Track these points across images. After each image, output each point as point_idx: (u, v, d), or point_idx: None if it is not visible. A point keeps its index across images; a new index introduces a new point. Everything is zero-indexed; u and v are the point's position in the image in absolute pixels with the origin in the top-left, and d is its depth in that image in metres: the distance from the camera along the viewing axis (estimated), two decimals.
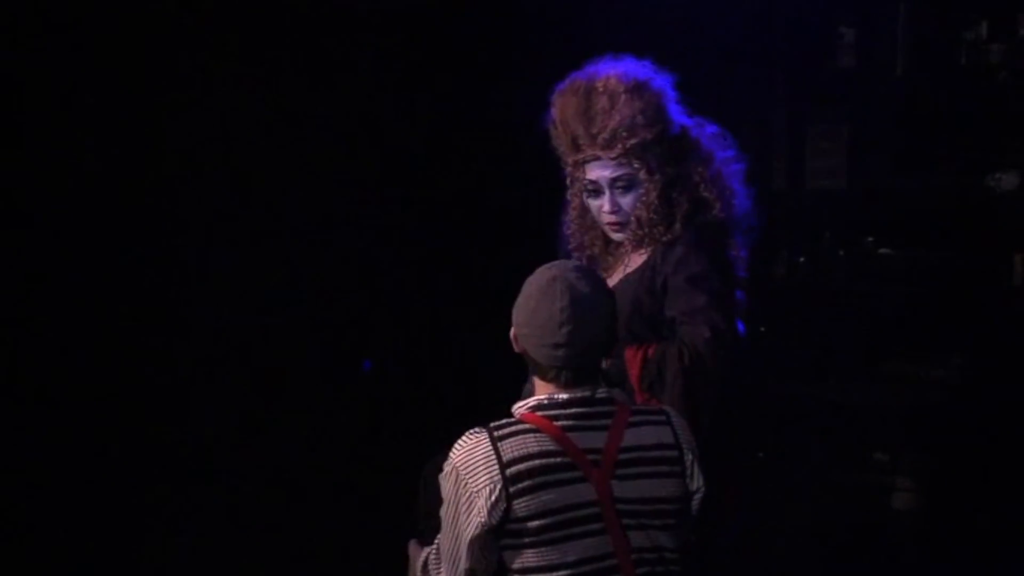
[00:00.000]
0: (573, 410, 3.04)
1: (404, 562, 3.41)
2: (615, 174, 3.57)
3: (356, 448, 5.29)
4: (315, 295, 5.33)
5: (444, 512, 3.05)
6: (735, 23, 5.36)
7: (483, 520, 2.97)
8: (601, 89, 3.54)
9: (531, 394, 3.13)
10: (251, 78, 5.15)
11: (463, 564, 3.02)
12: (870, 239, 5.54)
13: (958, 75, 5.33)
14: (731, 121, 3.73)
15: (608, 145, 3.53)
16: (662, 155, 3.56)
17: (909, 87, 5.43)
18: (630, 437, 3.05)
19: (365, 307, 5.43)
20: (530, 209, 4.01)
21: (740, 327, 3.63)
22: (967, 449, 5.14)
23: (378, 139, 5.36)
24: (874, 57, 5.48)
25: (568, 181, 3.66)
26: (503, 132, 4.78)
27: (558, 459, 2.99)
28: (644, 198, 3.57)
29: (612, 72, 3.56)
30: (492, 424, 3.04)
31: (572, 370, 3.05)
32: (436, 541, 3.13)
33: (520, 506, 2.96)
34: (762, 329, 5.17)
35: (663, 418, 3.11)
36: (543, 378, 3.08)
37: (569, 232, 3.72)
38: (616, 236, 3.63)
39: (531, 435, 3.00)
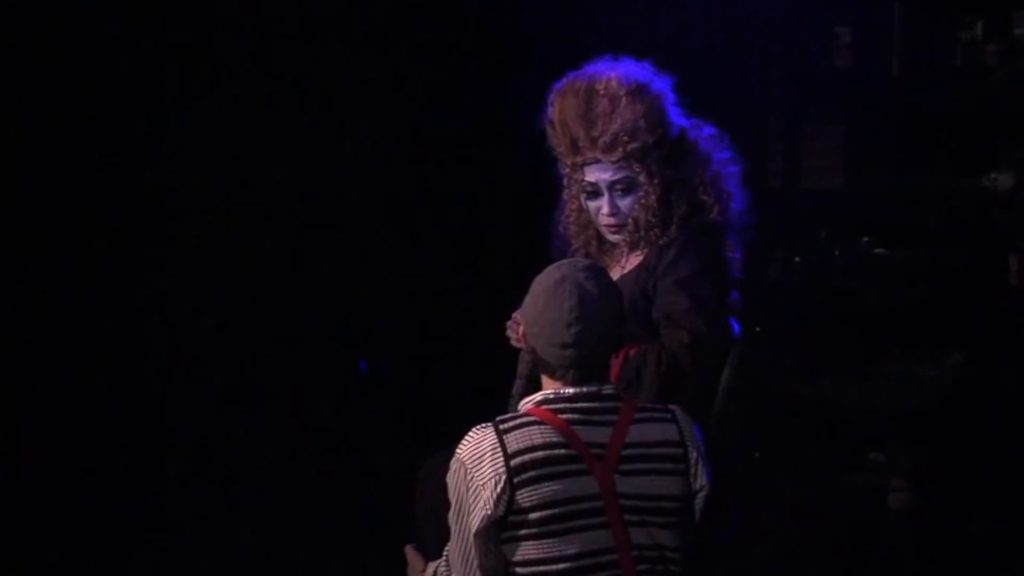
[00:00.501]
0: (579, 404, 3.06)
1: (403, 564, 3.42)
2: (615, 177, 3.56)
3: (353, 449, 5.29)
4: (313, 295, 5.34)
5: (452, 513, 3.05)
6: (731, 23, 5.37)
7: (489, 512, 2.98)
8: (602, 92, 3.52)
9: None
10: (249, 78, 5.15)
11: (475, 561, 3.03)
12: (866, 239, 5.55)
13: (954, 75, 5.34)
14: (727, 121, 3.73)
15: (609, 149, 3.53)
16: (662, 158, 3.55)
17: (905, 87, 5.43)
18: (635, 433, 3.06)
19: (362, 307, 5.43)
20: (528, 207, 4.00)
21: (736, 327, 3.64)
22: (963, 449, 5.15)
23: (377, 139, 5.36)
24: (870, 57, 5.48)
25: (565, 181, 3.65)
26: (504, 130, 4.78)
27: (562, 451, 3.00)
28: (643, 201, 3.56)
29: (613, 74, 3.54)
30: (498, 418, 3.06)
31: (580, 369, 3.06)
32: (445, 552, 3.13)
33: (523, 496, 2.97)
34: (758, 329, 5.16)
35: (668, 416, 3.12)
36: (551, 376, 3.10)
37: (566, 232, 3.72)
38: (613, 238, 3.63)
39: (536, 427, 3.02)
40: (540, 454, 2.99)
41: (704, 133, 3.65)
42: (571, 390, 3.07)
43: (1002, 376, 5.18)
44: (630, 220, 3.58)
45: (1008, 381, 5.15)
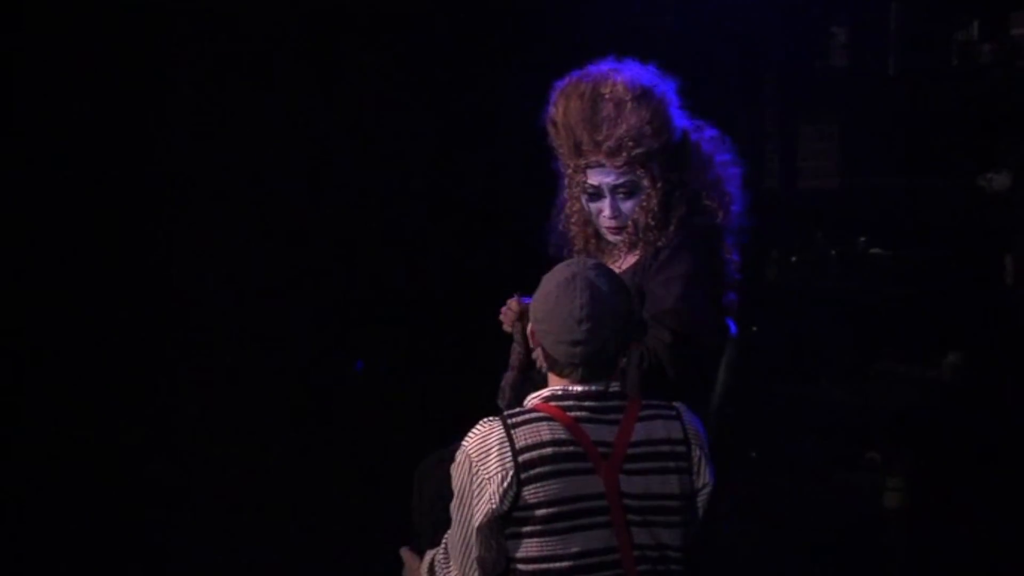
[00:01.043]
0: (587, 403, 3.06)
1: (399, 565, 3.42)
2: (618, 181, 3.56)
3: (349, 449, 5.29)
4: (310, 295, 5.34)
5: (454, 504, 3.05)
6: (728, 23, 5.37)
7: (494, 506, 2.98)
8: (607, 96, 3.51)
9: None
10: (247, 78, 5.15)
11: (474, 553, 3.03)
12: (862, 239, 5.55)
13: (950, 75, 5.34)
14: (723, 121, 3.73)
15: (613, 153, 3.52)
16: (664, 162, 3.54)
17: (901, 87, 5.43)
18: (640, 431, 3.06)
19: (359, 307, 5.43)
20: (524, 206, 4.00)
21: (732, 327, 3.64)
22: (959, 448, 5.15)
23: (374, 138, 5.36)
24: (866, 57, 5.48)
25: (566, 181, 3.64)
26: (503, 129, 4.79)
27: (570, 448, 3.01)
28: (644, 204, 3.56)
29: (618, 78, 3.53)
30: (506, 412, 3.06)
31: (588, 367, 3.07)
32: (443, 540, 3.14)
33: (530, 493, 2.98)
34: (754, 329, 5.17)
35: (673, 413, 3.13)
36: (558, 374, 3.10)
37: (565, 230, 3.71)
38: (613, 238, 3.63)
39: (544, 423, 3.02)
40: (548, 451, 3.00)
41: (706, 135, 3.65)
42: (579, 388, 3.07)
43: (998, 376, 5.17)
44: (630, 222, 3.58)
45: (1004, 381, 5.15)
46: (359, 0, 5.29)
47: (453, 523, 3.07)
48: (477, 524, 3.01)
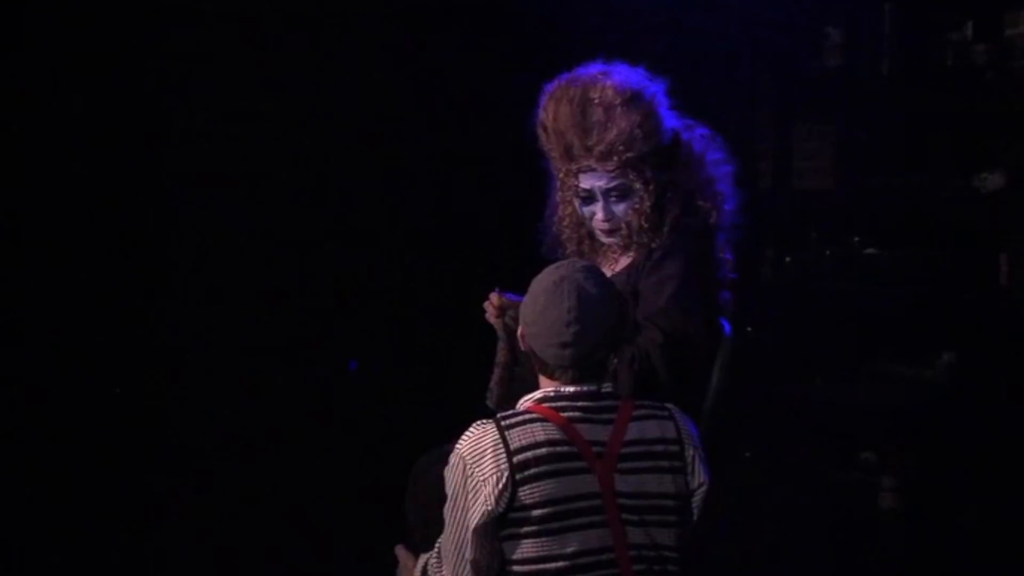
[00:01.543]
0: (580, 403, 3.07)
1: (393, 563, 3.42)
2: (610, 185, 3.55)
3: (345, 449, 5.28)
4: (304, 295, 5.33)
5: (447, 507, 3.05)
6: (722, 23, 5.37)
7: (489, 508, 2.98)
8: (597, 100, 3.49)
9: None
10: (243, 79, 5.15)
11: (468, 555, 3.03)
12: (856, 239, 5.55)
13: (944, 75, 5.34)
14: (718, 122, 3.73)
15: (604, 158, 3.51)
16: (656, 164, 3.54)
17: (895, 87, 5.44)
18: (633, 431, 3.06)
19: (353, 306, 5.42)
20: (520, 205, 4.00)
21: (727, 327, 3.64)
22: (953, 448, 5.15)
23: (372, 138, 5.36)
24: (860, 57, 5.49)
25: (558, 184, 3.64)
26: (499, 131, 4.78)
27: (565, 448, 3.01)
28: (637, 206, 3.55)
29: (607, 82, 3.51)
30: (499, 414, 3.06)
31: (579, 368, 3.07)
32: (437, 544, 3.13)
33: (525, 494, 2.98)
34: (749, 329, 5.17)
35: (666, 413, 3.13)
36: (549, 376, 3.10)
37: (558, 233, 3.71)
38: (606, 240, 3.63)
39: (538, 424, 3.02)
40: (543, 451, 3.00)
41: (697, 134, 3.64)
42: (572, 388, 3.08)
43: (993, 376, 5.18)
44: (623, 225, 3.58)
45: (999, 381, 5.15)
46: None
47: (446, 526, 3.06)
48: (472, 527, 3.00)
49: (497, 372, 3.57)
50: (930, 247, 5.38)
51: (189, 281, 5.17)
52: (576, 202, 3.60)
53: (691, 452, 3.11)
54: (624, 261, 3.61)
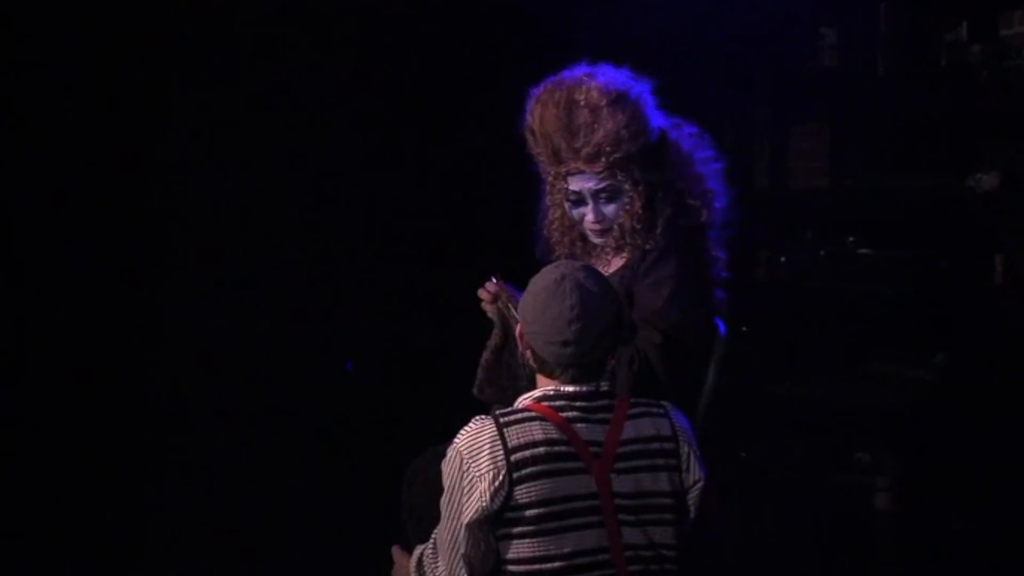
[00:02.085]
0: (578, 403, 3.08)
1: (389, 563, 3.42)
2: (599, 186, 3.56)
3: (341, 449, 5.28)
4: (301, 295, 5.34)
5: (444, 500, 3.06)
6: (717, 23, 5.37)
7: (484, 504, 2.99)
8: (582, 102, 3.50)
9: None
10: (239, 86, 5.15)
11: (462, 550, 3.03)
12: (851, 239, 5.55)
13: (939, 75, 5.34)
14: (713, 122, 3.73)
15: (592, 159, 3.52)
16: (644, 164, 3.55)
17: (890, 87, 5.44)
18: (629, 429, 3.08)
19: (349, 307, 5.43)
20: (516, 205, 4.00)
21: (721, 327, 3.64)
22: (948, 449, 5.15)
23: (368, 136, 5.36)
24: (855, 57, 5.49)
25: (547, 187, 3.65)
26: (492, 131, 4.78)
27: (562, 448, 3.02)
28: (628, 207, 3.56)
29: (592, 83, 3.52)
30: (498, 411, 3.07)
31: (578, 367, 3.08)
32: (432, 536, 3.14)
33: (521, 493, 2.99)
34: (743, 329, 5.17)
35: (661, 411, 3.14)
36: (548, 375, 3.11)
37: (549, 236, 3.72)
38: (598, 241, 3.64)
39: (537, 423, 3.03)
40: (541, 450, 3.00)
41: (684, 132, 3.65)
42: (571, 388, 3.09)
43: (987, 376, 5.18)
44: (615, 226, 3.58)
45: (993, 381, 5.15)
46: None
47: (442, 519, 3.08)
48: (466, 521, 3.02)
49: (484, 355, 3.58)
50: (925, 247, 5.39)
51: (187, 281, 5.17)
52: (566, 204, 3.61)
53: (686, 449, 3.12)
54: (617, 262, 3.62)
